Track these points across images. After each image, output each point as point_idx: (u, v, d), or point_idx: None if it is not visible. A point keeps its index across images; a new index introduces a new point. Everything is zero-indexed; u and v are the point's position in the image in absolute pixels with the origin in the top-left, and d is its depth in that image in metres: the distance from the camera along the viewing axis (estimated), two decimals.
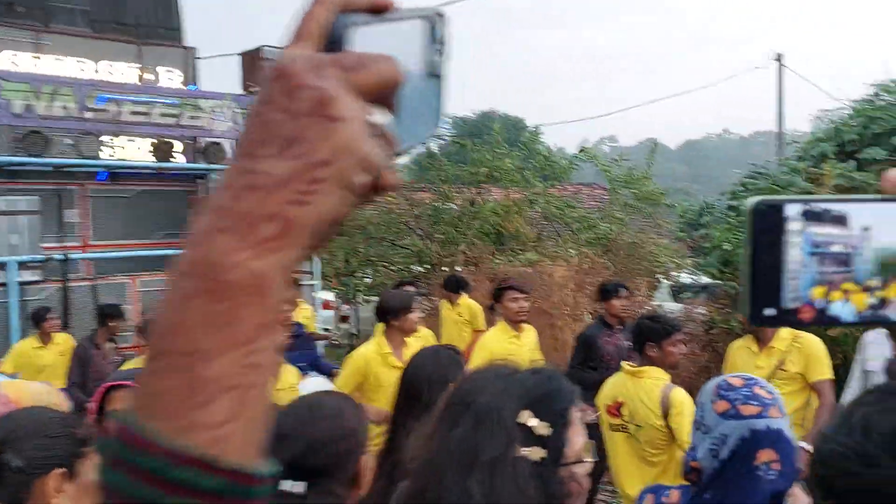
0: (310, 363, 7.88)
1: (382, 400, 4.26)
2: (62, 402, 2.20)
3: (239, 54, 11.88)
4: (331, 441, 1.68)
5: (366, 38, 0.55)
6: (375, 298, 13.34)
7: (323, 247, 0.53)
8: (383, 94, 0.53)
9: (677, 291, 12.53)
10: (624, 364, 4.39)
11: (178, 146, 10.80)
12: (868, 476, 0.85)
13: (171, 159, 10.63)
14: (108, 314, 7.47)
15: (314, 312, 10.37)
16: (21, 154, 9.30)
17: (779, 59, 18.41)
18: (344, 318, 15.90)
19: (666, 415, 4.06)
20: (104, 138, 10.09)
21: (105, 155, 10.19)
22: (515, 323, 5.79)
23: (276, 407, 1.87)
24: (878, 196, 0.65)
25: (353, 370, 4.91)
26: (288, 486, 1.63)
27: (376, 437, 2.88)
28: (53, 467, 1.57)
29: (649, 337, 4.24)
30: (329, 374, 8.44)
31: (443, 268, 12.12)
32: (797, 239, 0.63)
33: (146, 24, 11.28)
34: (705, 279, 10.44)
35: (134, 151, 10.53)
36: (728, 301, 7.98)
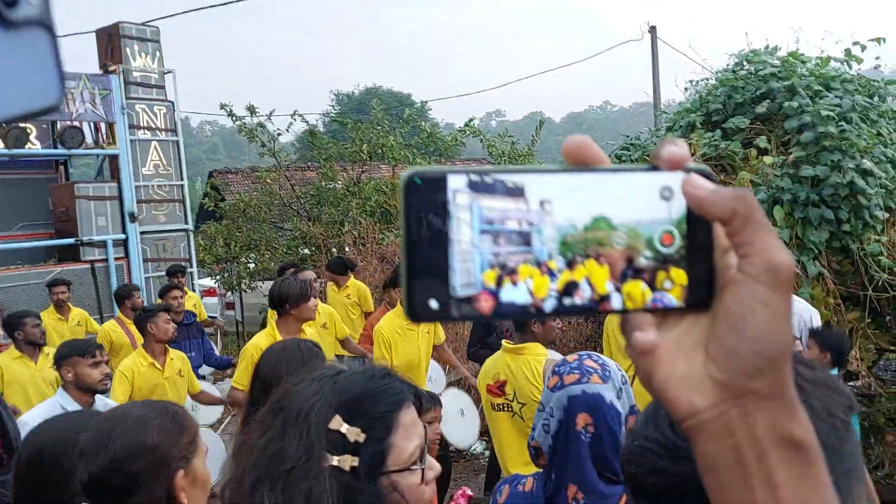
0: (203, 356, 7.71)
1: None
2: None
3: (94, 31, 11.42)
4: (128, 458, 1.54)
5: None
6: (261, 284, 13.24)
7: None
8: None
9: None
10: (504, 342, 4.39)
11: (33, 132, 10.37)
12: (676, 470, 0.82)
13: (27, 146, 10.23)
14: None
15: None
16: None
17: (652, 31, 18.91)
18: (229, 306, 15.60)
19: None
20: None
21: None
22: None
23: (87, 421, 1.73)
24: (557, 167, 0.57)
25: (249, 362, 4.73)
26: None
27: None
28: (181, 467, 1.60)
29: None
30: (227, 366, 8.27)
31: (332, 249, 11.95)
32: (465, 215, 0.55)
33: None
34: None
35: None
36: None
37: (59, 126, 10.46)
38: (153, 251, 11.29)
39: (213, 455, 2.09)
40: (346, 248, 11.71)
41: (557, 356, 4.22)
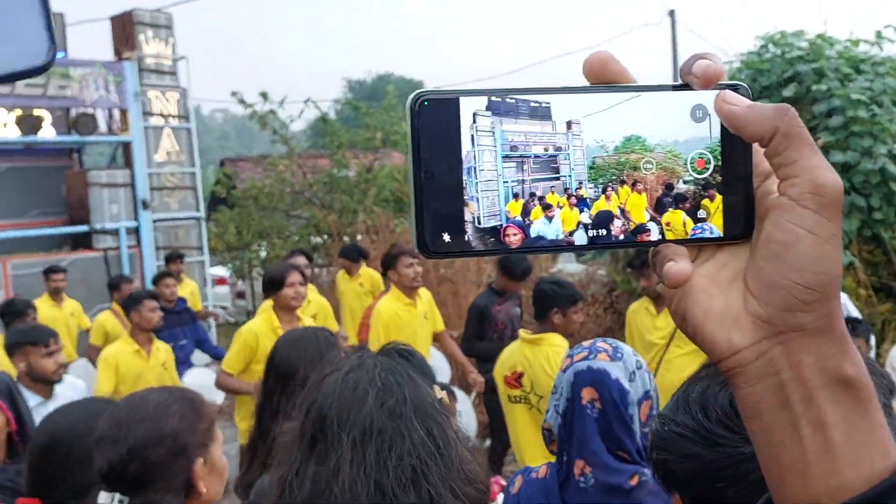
0: (196, 341, 7.69)
1: None
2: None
3: (109, 19, 11.43)
4: (147, 445, 1.53)
5: None
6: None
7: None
8: None
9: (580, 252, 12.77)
10: (521, 332, 4.33)
11: (47, 118, 10.37)
12: (710, 457, 0.81)
13: (41, 133, 10.24)
14: None
15: (200, 289, 10.10)
16: None
17: (671, 14, 18.96)
18: (240, 295, 15.63)
19: None
20: None
21: None
22: (411, 290, 5.59)
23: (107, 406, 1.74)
24: (581, 86, 0.54)
25: (243, 346, 4.78)
26: (106, 498, 1.49)
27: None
28: (199, 455, 1.60)
29: (556, 303, 4.20)
30: (221, 357, 8.28)
31: (343, 237, 11.94)
32: (487, 140, 0.51)
33: None
34: None
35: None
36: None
37: (72, 113, 10.50)
38: (165, 239, 11.32)
39: None
40: (359, 237, 11.69)
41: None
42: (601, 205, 0.53)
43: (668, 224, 0.54)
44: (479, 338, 5.92)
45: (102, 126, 10.80)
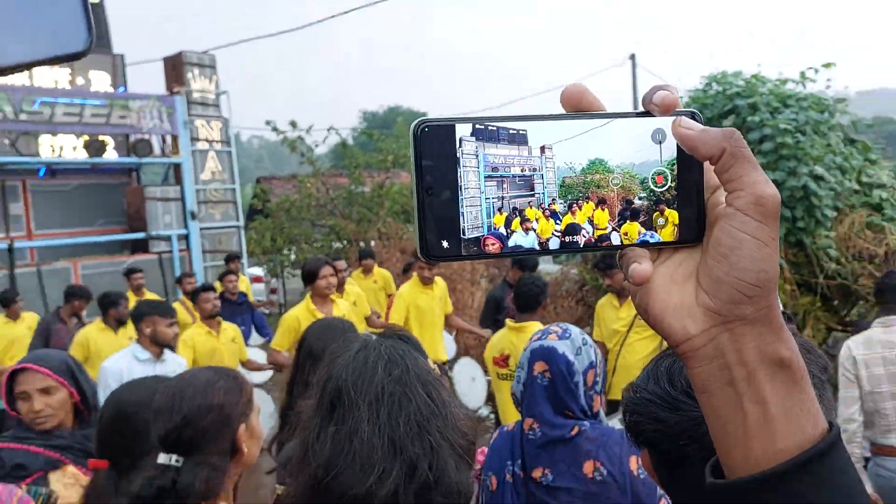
0: (254, 327, 7.90)
1: None
2: None
3: (162, 59, 11.46)
4: (198, 415, 1.52)
5: None
6: (300, 273, 13.25)
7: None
8: None
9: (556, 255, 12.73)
10: (508, 321, 4.37)
11: (110, 143, 10.41)
12: (675, 420, 0.81)
13: (105, 155, 10.29)
14: (74, 294, 7.21)
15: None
16: None
17: (632, 58, 18.78)
18: (273, 290, 15.65)
19: None
20: (41, 138, 9.62)
21: (43, 152, 9.72)
22: (427, 280, 5.99)
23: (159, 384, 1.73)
24: (557, 114, 0.53)
25: (287, 329, 4.88)
26: (164, 459, 1.48)
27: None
28: (242, 422, 1.60)
29: (542, 298, 4.32)
30: (270, 337, 8.38)
31: (360, 243, 11.95)
32: (472, 162, 0.50)
33: None
34: None
35: (70, 150, 10.10)
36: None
37: (132, 138, 10.49)
38: (210, 244, 11.33)
39: (263, 411, 2.08)
40: (373, 243, 11.70)
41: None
42: (570, 217, 0.52)
43: (626, 234, 0.53)
44: (494, 321, 6.08)
45: (157, 149, 10.81)
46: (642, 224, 0.53)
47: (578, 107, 0.53)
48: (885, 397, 3.57)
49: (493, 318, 6.14)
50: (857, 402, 3.57)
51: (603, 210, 0.52)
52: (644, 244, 0.53)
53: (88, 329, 6.17)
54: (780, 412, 0.50)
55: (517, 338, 4.15)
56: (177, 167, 10.92)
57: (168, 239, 10.53)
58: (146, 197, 10.36)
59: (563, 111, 0.53)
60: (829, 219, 5.98)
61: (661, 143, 0.53)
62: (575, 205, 0.52)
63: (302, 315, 4.84)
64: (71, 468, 2.20)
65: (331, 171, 16.20)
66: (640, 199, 0.53)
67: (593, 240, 0.53)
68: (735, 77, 6.88)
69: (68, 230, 10.26)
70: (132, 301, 7.88)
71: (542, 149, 0.51)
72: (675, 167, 0.53)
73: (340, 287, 7.02)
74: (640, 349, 4.82)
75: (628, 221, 0.53)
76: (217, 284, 7.77)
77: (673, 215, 0.53)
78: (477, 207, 0.51)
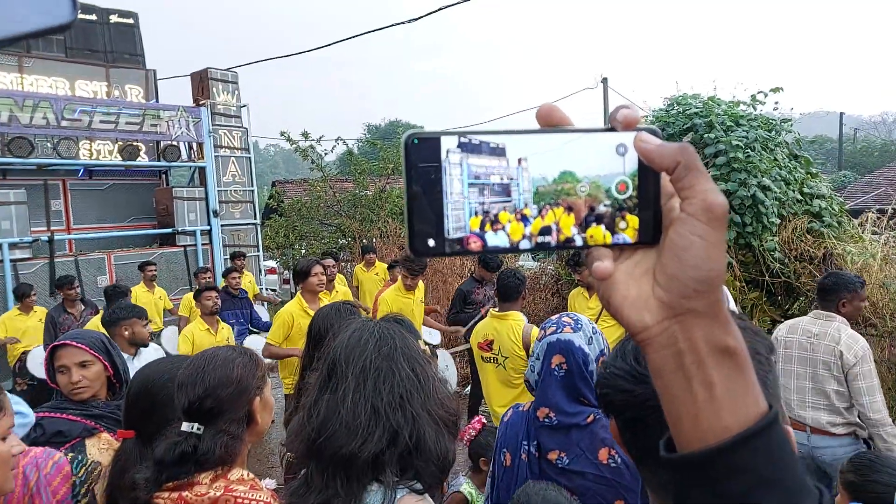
0: (250, 320, 7.78)
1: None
2: None
3: (189, 75, 11.36)
4: (218, 387, 1.51)
5: None
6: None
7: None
8: None
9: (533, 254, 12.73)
10: (491, 310, 4.37)
11: (143, 148, 10.31)
12: (638, 391, 0.81)
13: (138, 159, 10.16)
14: (58, 284, 7.11)
15: (256, 277, 10.12)
16: (9, 156, 8.75)
17: (604, 81, 18.66)
18: (286, 281, 15.60)
19: (527, 347, 4.05)
20: (81, 143, 9.58)
21: (82, 155, 9.65)
22: (409, 287, 5.85)
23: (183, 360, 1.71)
24: (532, 129, 0.53)
25: (280, 323, 4.76)
26: (187, 427, 1.48)
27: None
28: (257, 394, 1.59)
29: (521, 289, 4.29)
30: (267, 329, 8.30)
31: (363, 240, 11.94)
32: (456, 171, 0.50)
33: (113, 51, 10.67)
34: None
35: (106, 154, 10.03)
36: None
37: (161, 145, 10.42)
38: (230, 239, 11.28)
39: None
40: (374, 240, 11.70)
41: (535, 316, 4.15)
42: (542, 221, 0.52)
43: (591, 236, 0.53)
44: (460, 312, 6.17)
45: (184, 155, 10.72)
46: (606, 227, 0.53)
47: (550, 122, 0.53)
48: (791, 375, 3.67)
49: (460, 308, 6.21)
50: None
51: (571, 215, 0.53)
52: (606, 245, 0.53)
53: (94, 321, 6.17)
54: (726, 394, 0.50)
55: (500, 325, 4.17)
56: (201, 170, 10.86)
57: (193, 234, 10.47)
58: (174, 196, 10.28)
59: (538, 126, 0.53)
60: (774, 224, 6.01)
61: (623, 155, 0.53)
62: (547, 209, 0.52)
63: (294, 311, 4.73)
64: (105, 435, 2.19)
65: (338, 176, 16.17)
66: (604, 205, 0.53)
67: (562, 241, 0.53)
68: (694, 99, 6.91)
69: (103, 225, 10.18)
70: (142, 290, 7.85)
71: (519, 160, 0.51)
72: (636, 177, 0.53)
73: (330, 283, 7.00)
74: (608, 335, 4.83)
75: (594, 225, 0.53)
76: (221, 281, 7.74)
77: (633, 220, 0.53)
78: (461, 211, 0.50)
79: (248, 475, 1.50)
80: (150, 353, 4.10)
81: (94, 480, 1.89)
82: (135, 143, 9.92)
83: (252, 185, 11.74)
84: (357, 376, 1.29)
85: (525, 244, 0.52)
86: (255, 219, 11.86)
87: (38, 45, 9.96)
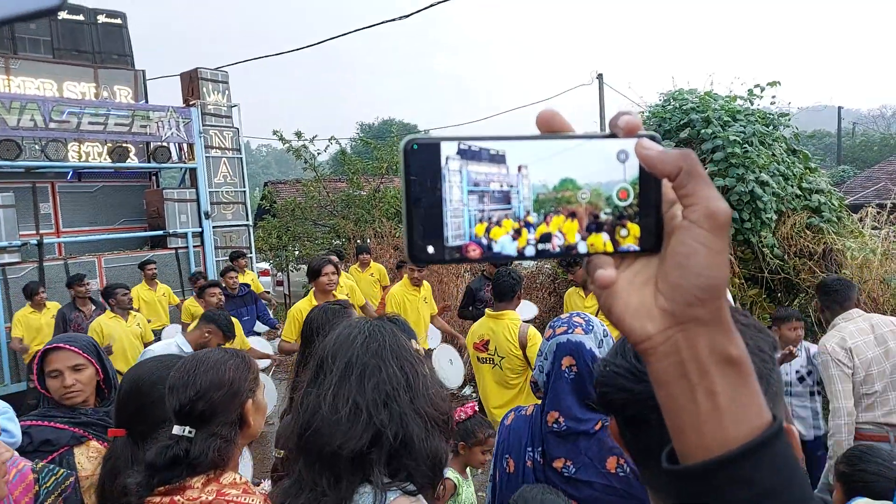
0: (257, 316, 7.80)
1: None
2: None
3: (179, 75, 11.30)
4: (210, 389, 1.50)
5: None
6: (303, 267, 13.25)
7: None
8: None
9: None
10: (487, 310, 4.35)
11: (132, 150, 10.27)
12: (639, 389, 0.80)
13: (128, 160, 10.12)
14: (69, 282, 7.23)
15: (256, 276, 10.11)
16: None
17: (600, 77, 18.68)
18: (279, 283, 15.56)
19: (523, 347, 4.03)
20: (69, 145, 9.54)
21: (71, 157, 9.62)
22: (416, 280, 6.13)
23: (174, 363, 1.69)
24: (532, 135, 0.52)
25: (292, 320, 4.86)
26: (178, 430, 1.47)
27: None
28: (249, 397, 1.58)
29: (517, 289, 4.28)
30: (273, 326, 8.30)
31: (357, 241, 11.93)
32: (456, 178, 0.50)
33: (101, 51, 10.62)
34: None
35: (95, 156, 9.99)
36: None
37: (151, 146, 10.37)
38: (222, 241, 11.24)
39: (266, 392, 2.06)
40: (368, 240, 11.69)
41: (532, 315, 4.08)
42: (543, 228, 0.52)
43: (592, 244, 0.52)
44: (470, 307, 6.37)
45: (174, 156, 10.68)
46: (607, 235, 0.53)
47: (551, 128, 0.53)
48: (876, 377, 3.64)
49: (470, 306, 6.29)
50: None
51: (572, 222, 0.52)
52: (608, 253, 0.53)
53: (101, 318, 6.20)
54: (730, 404, 0.49)
55: (495, 324, 4.16)
56: (192, 172, 10.82)
57: (184, 236, 10.43)
58: (164, 198, 10.24)
59: (537, 132, 0.53)
60: (773, 220, 6.02)
61: (624, 162, 0.52)
62: (547, 217, 0.52)
63: (305, 308, 4.78)
64: (94, 443, 2.17)
65: (331, 176, 16.15)
66: (605, 213, 0.52)
67: (564, 248, 0.52)
68: (690, 94, 6.91)
69: (93, 227, 10.13)
70: (144, 289, 7.90)
71: (519, 167, 0.51)
72: (637, 184, 0.53)
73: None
74: None
75: (594, 233, 0.52)
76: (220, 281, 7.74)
77: (634, 227, 0.53)
78: (460, 218, 0.50)
79: (240, 479, 1.49)
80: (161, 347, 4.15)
81: (66, 490, 1.86)
82: (124, 145, 9.88)
83: (244, 186, 11.70)
84: (341, 371, 1.29)
85: (529, 251, 0.52)
86: (248, 220, 11.83)
87: (25, 47, 9.91)
